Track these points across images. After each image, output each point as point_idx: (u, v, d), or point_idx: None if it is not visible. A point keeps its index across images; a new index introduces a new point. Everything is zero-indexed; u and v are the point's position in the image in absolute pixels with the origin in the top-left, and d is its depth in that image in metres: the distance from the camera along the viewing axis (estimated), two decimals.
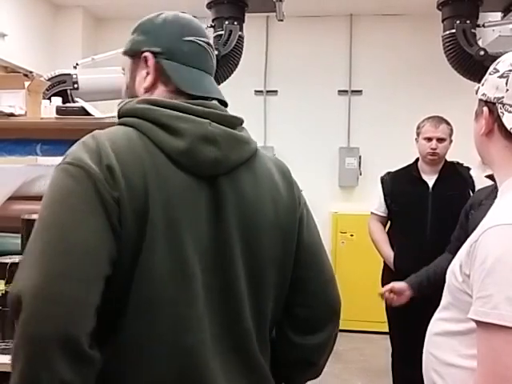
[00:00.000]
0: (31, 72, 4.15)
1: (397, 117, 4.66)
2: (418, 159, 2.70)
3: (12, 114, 1.87)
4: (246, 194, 0.89)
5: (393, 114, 4.71)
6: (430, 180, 2.61)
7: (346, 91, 4.86)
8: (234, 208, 0.87)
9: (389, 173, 2.78)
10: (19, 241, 1.49)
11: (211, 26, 3.51)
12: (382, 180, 2.77)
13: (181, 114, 0.84)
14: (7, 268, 1.26)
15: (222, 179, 0.86)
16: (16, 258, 1.29)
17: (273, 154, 4.69)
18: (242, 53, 3.60)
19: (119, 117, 0.90)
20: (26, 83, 2.01)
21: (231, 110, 0.96)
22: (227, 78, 3.63)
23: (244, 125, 0.96)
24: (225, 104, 0.95)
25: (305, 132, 4.82)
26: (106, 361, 0.75)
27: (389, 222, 2.80)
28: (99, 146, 0.79)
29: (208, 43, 0.98)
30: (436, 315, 1.14)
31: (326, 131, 4.82)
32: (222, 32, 3.47)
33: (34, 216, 1.54)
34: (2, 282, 1.26)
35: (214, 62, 0.99)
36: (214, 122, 0.86)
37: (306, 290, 0.97)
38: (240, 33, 3.51)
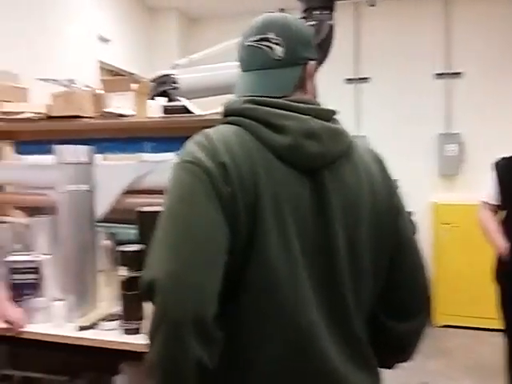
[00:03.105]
0: (132, 74, 4.42)
1: (502, 99, 4.35)
2: None
3: (122, 115, 2.01)
4: (346, 184, 0.94)
5: (497, 97, 4.39)
6: None
7: (444, 74, 4.62)
8: (335, 198, 0.92)
9: (503, 158, 2.61)
10: (135, 231, 1.60)
11: (302, 18, 3.50)
12: (496, 166, 2.61)
13: (284, 111, 0.91)
14: (129, 256, 1.36)
15: (323, 171, 0.92)
16: (135, 247, 1.39)
17: (366, 143, 4.57)
18: (332, 41, 3.54)
19: (225, 115, 0.96)
20: (133, 85, 2.15)
21: (322, 100, 0.97)
22: (319, 67, 3.60)
23: (336, 114, 0.99)
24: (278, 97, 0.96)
25: (400, 119, 4.65)
26: (226, 338, 0.82)
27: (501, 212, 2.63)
28: (212, 145, 0.87)
29: (264, 39, 0.96)
30: None
31: (423, 117, 4.61)
32: (313, 22, 3.45)
33: (147, 208, 1.65)
34: (125, 268, 1.36)
35: (275, 52, 0.97)
36: (314, 118, 0.92)
37: (400, 275, 1.01)
38: (330, 22, 3.47)
